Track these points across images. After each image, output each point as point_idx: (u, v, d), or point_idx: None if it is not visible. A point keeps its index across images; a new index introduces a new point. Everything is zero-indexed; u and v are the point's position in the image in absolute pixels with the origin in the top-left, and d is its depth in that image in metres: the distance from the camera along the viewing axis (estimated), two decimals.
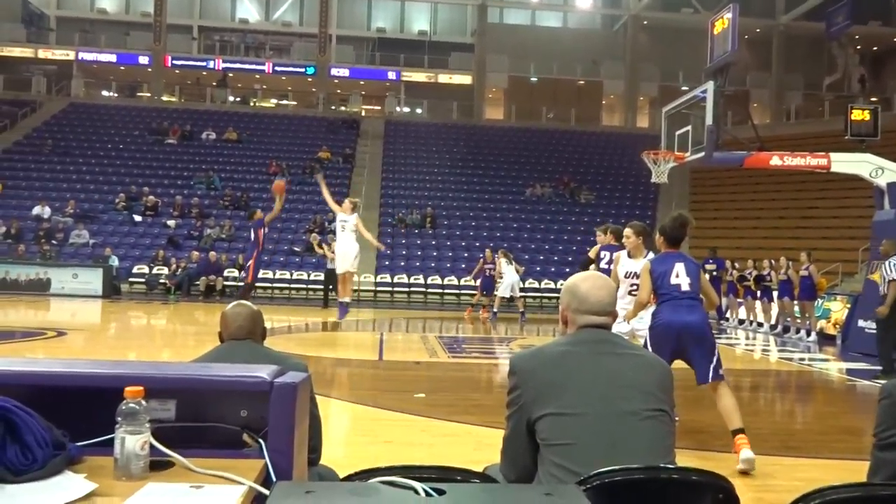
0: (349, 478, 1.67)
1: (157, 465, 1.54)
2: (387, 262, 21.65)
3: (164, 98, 31.13)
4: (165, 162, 25.56)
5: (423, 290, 20.84)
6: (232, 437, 1.69)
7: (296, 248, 21.81)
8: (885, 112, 20.66)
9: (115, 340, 11.20)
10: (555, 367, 2.00)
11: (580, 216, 24.59)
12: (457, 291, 20.80)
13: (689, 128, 12.70)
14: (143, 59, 31.45)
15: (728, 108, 21.76)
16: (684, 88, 21.38)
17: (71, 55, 31.79)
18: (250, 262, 11.27)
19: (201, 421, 1.71)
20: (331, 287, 17.44)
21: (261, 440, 1.65)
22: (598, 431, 1.89)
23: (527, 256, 22.35)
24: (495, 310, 15.30)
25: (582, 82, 33.72)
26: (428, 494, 1.32)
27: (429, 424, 5.60)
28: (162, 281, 19.40)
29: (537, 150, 28.12)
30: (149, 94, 31.15)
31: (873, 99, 26.91)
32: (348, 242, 10.63)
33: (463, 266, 21.54)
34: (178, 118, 28.22)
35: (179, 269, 19.41)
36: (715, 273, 15.66)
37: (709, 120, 11.88)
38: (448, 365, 9.12)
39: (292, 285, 20.50)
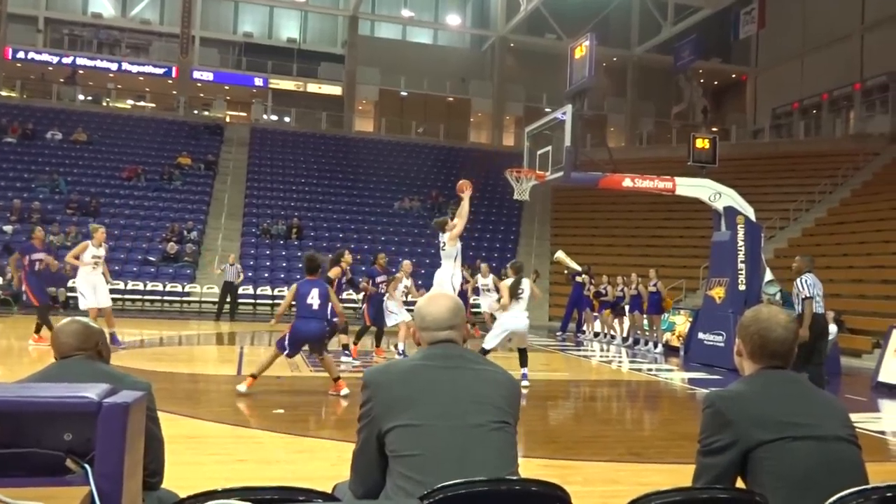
0: (181, 502, 1.58)
1: None
2: (250, 274, 20.96)
3: (3, 93, 28.61)
4: (3, 162, 23.45)
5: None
6: (53, 462, 1.56)
7: (150, 258, 20.67)
8: (724, 141, 22.61)
9: None
10: (405, 381, 2.03)
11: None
12: None
13: (549, 148, 13.23)
14: None
15: (587, 131, 22.96)
16: (547, 110, 22.33)
17: None
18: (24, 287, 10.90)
19: (19, 446, 1.56)
20: (227, 301, 17.66)
21: (86, 465, 1.53)
22: (445, 443, 1.92)
23: (394, 269, 22.34)
24: None
25: (451, 99, 34.42)
26: None
27: (286, 441, 5.44)
28: None
29: (406, 163, 28.35)
30: None
31: (714, 129, 29.41)
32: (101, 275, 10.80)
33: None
34: (19, 115, 26.01)
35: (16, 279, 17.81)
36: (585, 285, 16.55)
37: (567, 141, 12.45)
38: (310, 379, 8.93)
39: (146, 297, 19.43)
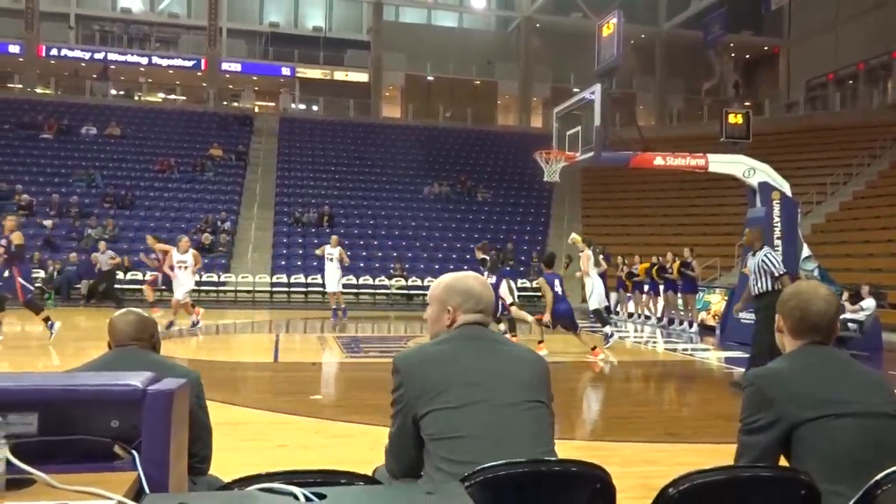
0: (227, 486, 1.61)
1: (16, 484, 1.44)
2: (283, 262, 21.21)
3: (38, 90, 29.16)
4: (40, 158, 23.97)
5: (320, 289, 20.52)
6: (102, 449, 1.60)
7: None
8: (757, 116, 22.13)
9: None
10: (437, 364, 2.03)
11: (478, 214, 24.97)
12: (355, 290, 20.64)
13: (579, 128, 13.09)
14: (14, 48, 29.36)
15: (616, 110, 22.61)
16: (575, 90, 22.04)
17: None
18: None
19: (68, 434, 1.61)
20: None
21: (133, 451, 1.57)
22: (482, 424, 1.93)
23: (425, 254, 22.46)
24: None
25: (478, 82, 34.21)
26: (308, 499, 1.29)
27: (324, 426, 5.52)
28: (38, 285, 18.17)
29: (434, 148, 28.31)
30: (20, 86, 29.08)
31: (746, 104, 28.77)
32: None
33: (362, 265, 21.41)
34: (55, 112, 26.53)
35: (57, 272, 18.27)
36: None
37: (597, 121, 12.30)
38: (345, 365, 9.02)
39: None
